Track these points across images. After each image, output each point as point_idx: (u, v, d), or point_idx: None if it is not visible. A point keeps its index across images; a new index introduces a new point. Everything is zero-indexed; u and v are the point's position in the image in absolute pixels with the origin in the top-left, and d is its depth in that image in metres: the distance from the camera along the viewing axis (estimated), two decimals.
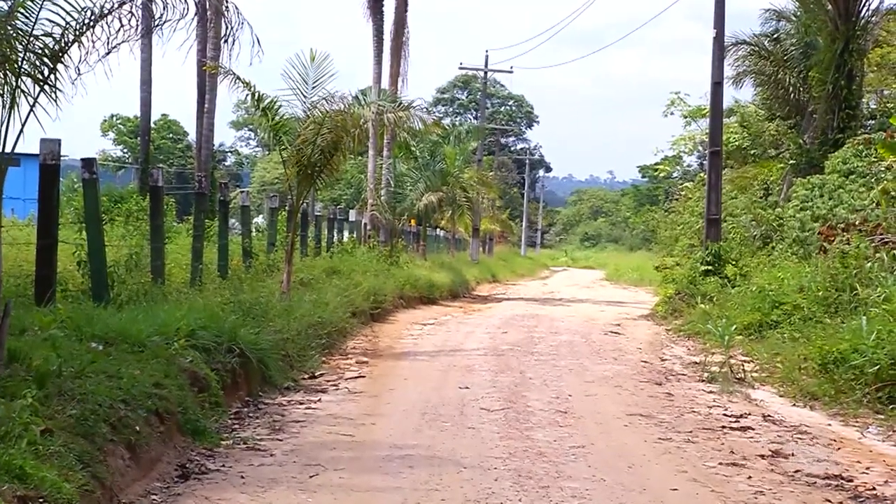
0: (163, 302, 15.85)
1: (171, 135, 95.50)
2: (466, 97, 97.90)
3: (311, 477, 10.47)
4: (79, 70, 12.20)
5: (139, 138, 36.48)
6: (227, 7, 30.34)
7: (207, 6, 17.14)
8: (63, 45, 11.95)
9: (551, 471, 11.05)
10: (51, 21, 11.71)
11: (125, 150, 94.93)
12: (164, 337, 13.03)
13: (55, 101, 11.92)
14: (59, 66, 11.97)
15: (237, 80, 22.28)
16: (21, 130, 11.52)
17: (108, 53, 12.50)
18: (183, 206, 29.85)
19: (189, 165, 62.34)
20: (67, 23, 11.84)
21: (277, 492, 9.87)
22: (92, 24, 12.17)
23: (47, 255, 13.77)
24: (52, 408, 9.34)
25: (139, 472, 9.88)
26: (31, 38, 11.63)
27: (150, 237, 18.52)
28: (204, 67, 32.04)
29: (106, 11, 12.29)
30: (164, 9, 13.13)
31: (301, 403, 14.66)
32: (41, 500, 7.57)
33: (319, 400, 14.99)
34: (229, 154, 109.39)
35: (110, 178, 36.31)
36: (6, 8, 11.66)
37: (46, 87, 11.83)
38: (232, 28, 27.60)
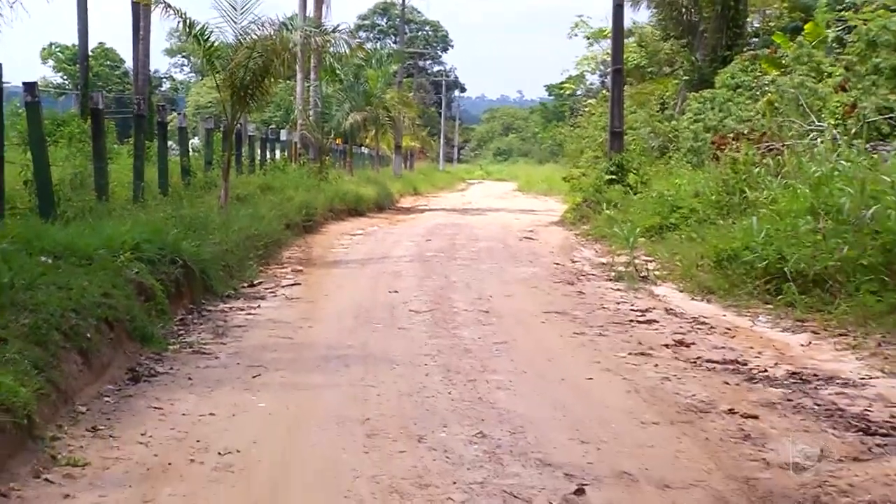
0: (107, 218, 15.55)
1: (108, 62, 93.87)
2: (386, 23, 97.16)
3: (254, 377, 10.40)
4: None
5: (78, 65, 35.65)
6: None
7: None
8: None
9: (477, 365, 11.07)
10: None
11: (65, 78, 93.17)
12: (110, 250, 12.83)
13: None
14: None
15: (168, 8, 21.97)
16: None
17: None
18: (122, 130, 29.36)
19: (127, 91, 61.67)
20: None
21: (223, 391, 9.79)
22: None
23: None
24: (5, 318, 9.19)
25: (92, 377, 9.74)
26: None
27: (92, 158, 18.21)
28: None
29: None
30: None
31: (242, 310, 14.55)
32: None
33: (259, 306, 14.89)
34: (165, 80, 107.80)
35: (52, 104, 35.56)
36: None
37: None
38: None
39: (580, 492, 7.09)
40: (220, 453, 7.89)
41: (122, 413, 8.99)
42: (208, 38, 21.69)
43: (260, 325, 13.42)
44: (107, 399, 9.38)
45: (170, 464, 7.66)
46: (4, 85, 14.57)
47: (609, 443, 8.26)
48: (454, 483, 7.26)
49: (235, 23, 21.76)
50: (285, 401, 9.53)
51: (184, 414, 9.00)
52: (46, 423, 8.09)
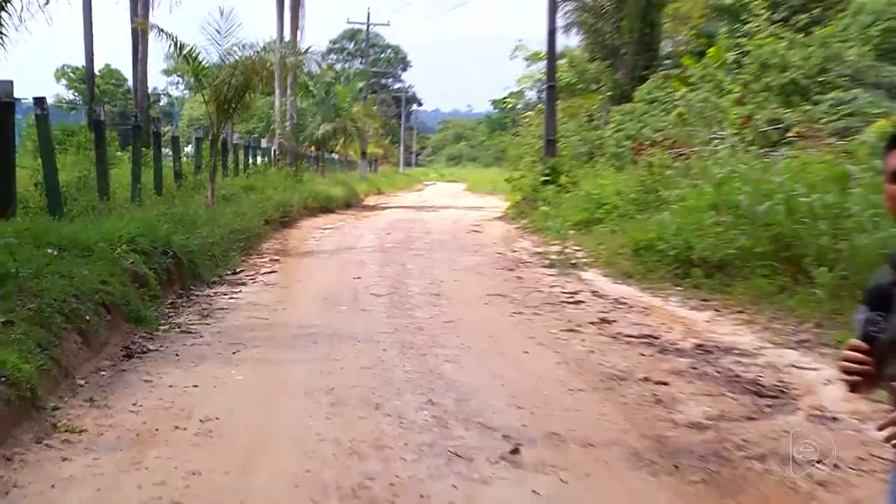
0: (108, 215, 15.27)
1: (113, 80, 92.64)
2: (353, 47, 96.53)
3: (233, 353, 10.19)
4: (21, 18, 11.65)
5: (86, 84, 35.29)
6: None
7: None
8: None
9: (428, 341, 10.91)
10: None
11: (76, 95, 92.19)
12: (108, 243, 12.58)
13: (2, 44, 11.38)
14: (3, 14, 11.43)
15: (161, 33, 21.85)
16: None
17: (46, 3, 11.99)
18: (124, 140, 28.91)
19: (129, 106, 61.09)
20: None
21: (206, 365, 9.59)
22: None
23: (4, 176, 13.17)
24: (12, 303, 8.98)
25: (90, 354, 9.53)
26: None
27: (95, 163, 17.96)
28: (134, 25, 31.27)
29: None
30: None
31: (225, 294, 14.30)
32: (3, 378, 7.26)
33: (240, 291, 14.65)
34: (163, 96, 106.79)
35: (64, 118, 35.13)
36: None
37: None
38: None
39: (515, 451, 6.97)
40: (201, 420, 7.71)
41: (116, 386, 8.78)
42: (196, 58, 21.49)
43: (241, 307, 13.20)
44: (103, 373, 9.16)
45: (157, 430, 7.48)
46: (22, 100, 14.36)
47: (541, 408, 8.15)
48: (406, 444, 7.13)
49: (220, 45, 21.67)
50: (261, 374, 9.36)
51: (170, 386, 8.79)
52: (48, 396, 7.91)
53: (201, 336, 11.13)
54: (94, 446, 7.03)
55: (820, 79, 21.18)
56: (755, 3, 25.85)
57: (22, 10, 11.67)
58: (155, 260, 13.45)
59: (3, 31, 11.40)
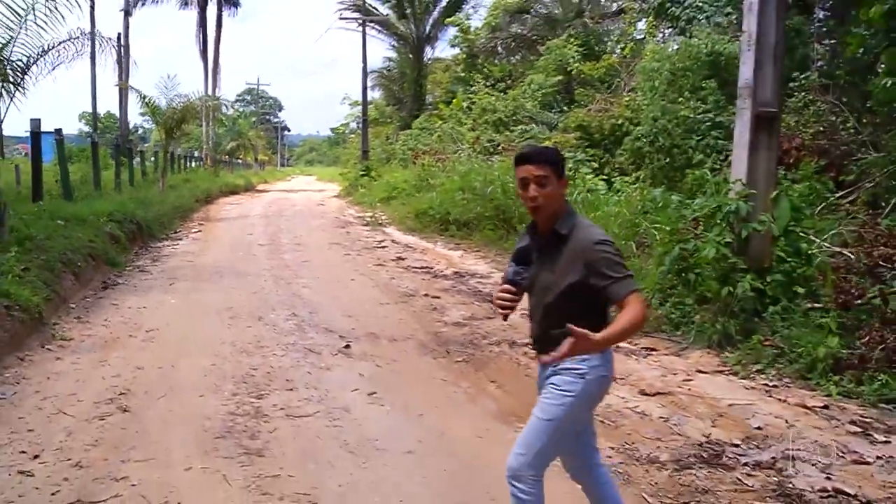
0: (99, 199, 13.66)
1: (112, 120, 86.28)
2: (249, 97, 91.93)
3: (170, 284, 9.14)
4: (36, 79, 10.29)
5: (92, 122, 32.47)
6: (120, 46, 27.33)
7: (103, 45, 14.85)
8: (27, 65, 10.00)
9: (292, 274, 10.03)
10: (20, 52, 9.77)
11: (91, 129, 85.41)
12: (96, 216, 11.25)
13: (24, 94, 10.04)
14: (27, 77, 10.06)
15: (131, 89, 20.22)
16: (2, 117, 9.87)
17: (53, 69, 10.63)
18: (115, 155, 26.59)
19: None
20: (30, 55, 9.96)
21: (153, 293, 8.53)
22: (42, 53, 10.28)
23: (37, 177, 11.70)
24: (30, 256, 7.91)
25: (80, 287, 8.37)
26: (9, 62, 9.69)
27: (92, 168, 16.13)
28: (116, 85, 28.76)
29: (49, 48, 10.42)
30: (78, 49, 11.21)
31: (168, 246, 12.90)
32: (18, 307, 6.36)
33: (178, 244, 13.24)
34: (140, 128, 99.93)
35: (82, 141, 31.97)
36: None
37: (19, 88, 9.96)
38: (123, 57, 25.19)
39: (347, 347, 6.35)
40: (147, 331, 6.79)
41: (95, 308, 7.70)
42: (151, 103, 19.66)
43: (177, 255, 11.92)
44: (87, 300, 8.03)
45: (118, 338, 6.54)
46: (48, 132, 13.00)
47: (363, 317, 7.53)
48: (277, 344, 6.39)
49: (167, 96, 20.07)
50: (187, 299, 8.35)
51: (129, 307, 7.77)
52: (50, 316, 6.95)
53: (151, 273, 9.98)
54: (77, 350, 6.17)
55: (514, 117, 21.12)
56: (477, 76, 25.94)
57: (37, 74, 10.27)
58: (125, 226, 12.07)
59: (26, 86, 9.99)
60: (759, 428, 4.56)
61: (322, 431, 4.47)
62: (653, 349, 6.43)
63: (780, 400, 5.06)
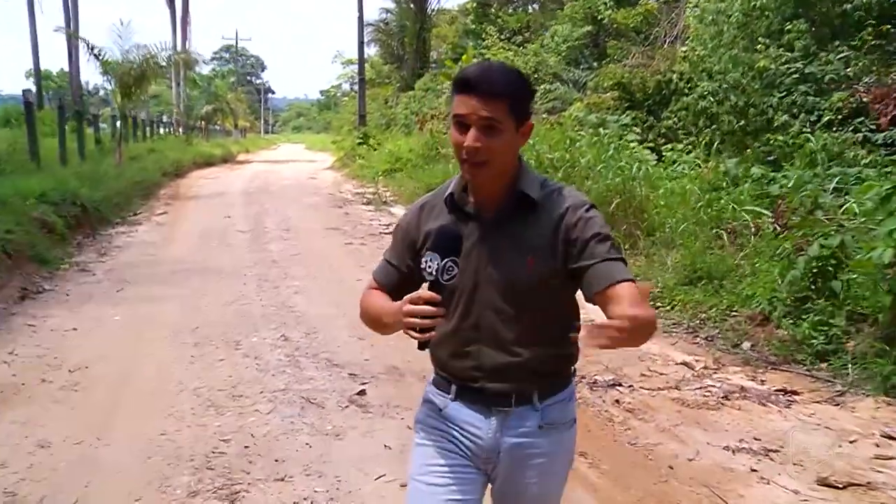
0: (36, 174, 11.83)
1: (67, 80, 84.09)
2: (228, 55, 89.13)
3: (117, 292, 7.31)
4: None
5: (34, 80, 30.29)
6: None
7: None
8: None
9: (280, 274, 8.19)
10: None
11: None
12: (21, 197, 9.40)
13: None
14: None
15: (81, 40, 18.18)
16: None
17: None
18: (61, 122, 24.62)
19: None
20: None
21: (90, 306, 6.72)
22: None
23: None
24: None
25: None
26: None
27: (27, 133, 14.11)
28: (55, 30, 27.37)
29: None
30: None
31: (124, 233, 11.05)
32: None
33: (136, 231, 11.40)
34: (101, 89, 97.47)
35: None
36: None
37: None
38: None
39: (362, 392, 4.58)
40: (70, 371, 5.03)
41: (0, 331, 5.91)
42: (100, 55, 17.64)
43: (134, 245, 10.08)
44: None
45: (22, 384, 4.76)
46: None
47: (378, 340, 5.56)
48: (262, 392, 4.62)
49: (121, 46, 18.09)
50: (136, 314, 6.48)
51: (52, 330, 5.97)
52: None
53: (94, 274, 8.14)
54: None
55: (535, 76, 19.33)
56: (490, 28, 24.33)
57: None
58: (64, 209, 10.22)
59: None
60: None
61: None
62: (794, 392, 4.72)
63: None
